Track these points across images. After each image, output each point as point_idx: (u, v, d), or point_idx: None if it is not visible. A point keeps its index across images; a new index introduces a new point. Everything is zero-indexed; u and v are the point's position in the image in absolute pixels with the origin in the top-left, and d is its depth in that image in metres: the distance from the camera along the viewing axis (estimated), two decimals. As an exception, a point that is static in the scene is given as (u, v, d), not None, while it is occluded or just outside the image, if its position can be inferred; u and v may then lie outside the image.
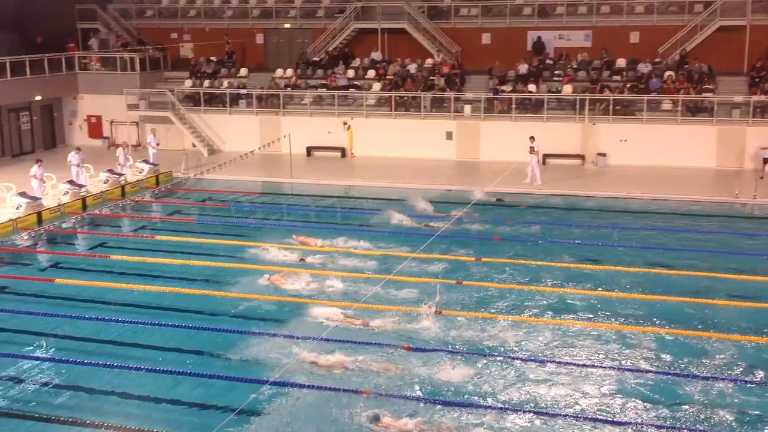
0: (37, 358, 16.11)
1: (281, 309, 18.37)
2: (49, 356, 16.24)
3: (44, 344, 16.76)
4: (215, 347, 16.40)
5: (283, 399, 14.29)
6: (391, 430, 13.31)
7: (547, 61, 36.56)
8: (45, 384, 15.05)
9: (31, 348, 16.60)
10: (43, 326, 17.55)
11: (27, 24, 39.94)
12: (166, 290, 19.64)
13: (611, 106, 32.93)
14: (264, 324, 17.54)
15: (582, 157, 33.04)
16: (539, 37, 37.17)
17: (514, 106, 34.08)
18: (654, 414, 13.86)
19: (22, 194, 26.19)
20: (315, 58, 39.18)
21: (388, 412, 13.66)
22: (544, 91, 34.56)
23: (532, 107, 34.29)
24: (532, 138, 30.16)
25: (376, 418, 13.46)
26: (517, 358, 15.84)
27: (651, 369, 15.44)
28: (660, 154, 32.02)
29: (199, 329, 17.24)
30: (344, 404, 14.04)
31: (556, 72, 35.74)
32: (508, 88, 35.03)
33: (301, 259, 21.46)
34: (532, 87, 34.80)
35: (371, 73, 37.74)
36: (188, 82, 38.90)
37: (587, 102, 33.11)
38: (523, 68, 35.91)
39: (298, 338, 16.47)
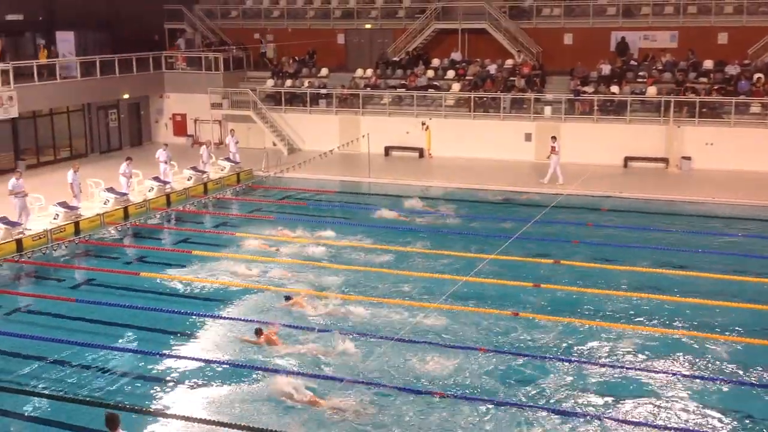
0: (121, 349, 16.58)
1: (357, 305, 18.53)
2: (133, 347, 16.70)
3: (128, 336, 17.25)
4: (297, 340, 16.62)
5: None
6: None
7: (631, 62, 35.84)
8: (127, 374, 15.46)
9: (116, 339, 17.09)
10: (128, 318, 18.06)
11: (117, 24, 41.22)
12: (247, 286, 19.97)
13: (697, 109, 32.08)
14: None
15: (666, 160, 32.28)
16: (623, 38, 36.48)
17: (596, 107, 33.54)
18: (732, 426, 13.49)
19: (110, 190, 27.02)
20: (395, 58, 39.31)
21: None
22: (627, 92, 33.91)
23: (614, 109, 33.68)
24: (553, 138, 30.24)
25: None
26: (593, 363, 15.63)
27: (732, 379, 15.02)
28: (748, 158, 31.03)
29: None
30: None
31: (641, 73, 35.01)
32: (590, 89, 34.50)
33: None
34: (614, 88, 34.17)
35: (451, 74, 37.66)
36: (270, 82, 39.51)
37: (672, 104, 32.31)
38: (606, 69, 35.30)
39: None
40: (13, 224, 23.26)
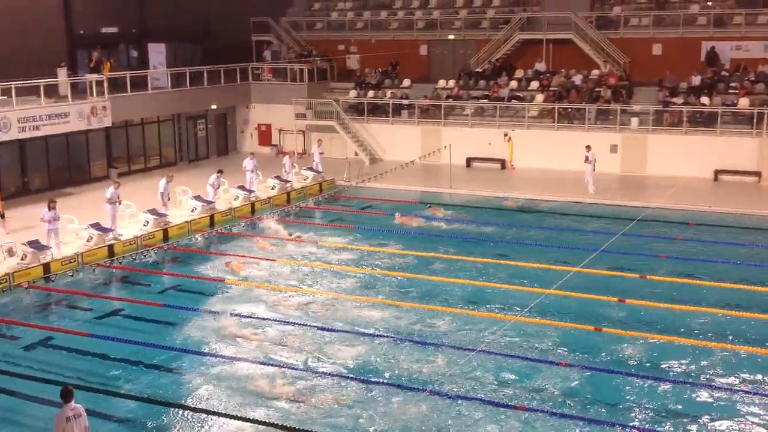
0: (205, 354, 16.87)
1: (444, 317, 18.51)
2: (216, 352, 16.98)
3: (211, 341, 17.59)
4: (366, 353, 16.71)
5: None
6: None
7: (723, 73, 34.82)
8: (209, 378, 15.74)
9: (200, 344, 17.42)
10: (212, 323, 18.42)
11: (207, 36, 42.33)
12: (328, 295, 20.16)
13: (792, 121, 31.02)
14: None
15: (758, 174, 31.22)
16: (712, 47, 35.41)
17: (685, 119, 32.71)
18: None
19: (197, 198, 27.70)
20: (477, 69, 39.19)
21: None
22: (718, 103, 32.97)
23: (704, 121, 32.79)
24: (588, 147, 30.22)
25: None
26: (677, 381, 15.26)
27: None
28: None
29: (359, 334, 17.61)
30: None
31: (732, 84, 33.99)
32: (679, 100, 33.68)
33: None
34: (705, 99, 33.27)
35: (534, 84, 37.33)
36: (353, 93, 39.90)
37: (766, 116, 31.27)
38: (696, 80, 34.40)
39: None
40: (105, 230, 24.06)
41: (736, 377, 15.43)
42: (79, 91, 31.09)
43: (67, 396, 11.77)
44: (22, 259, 21.89)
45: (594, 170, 30.20)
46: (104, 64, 34.92)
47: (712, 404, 14.46)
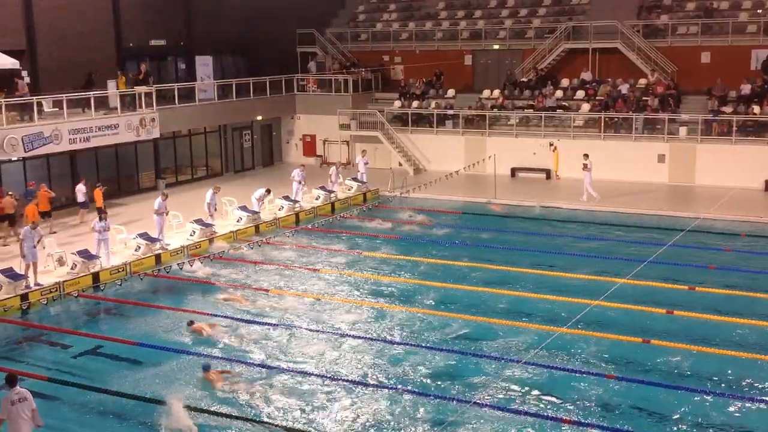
0: (251, 364, 16.97)
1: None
2: (263, 362, 17.07)
3: (255, 349, 17.69)
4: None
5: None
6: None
7: (773, 81, 34.17)
8: (254, 386, 15.79)
9: (246, 354, 17.54)
10: (262, 333, 18.55)
11: (253, 48, 42.78)
12: (369, 305, 20.16)
13: None
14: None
15: (811, 184, 30.60)
16: (771, 56, 34.58)
17: (734, 128, 32.14)
18: None
19: (243, 208, 27.97)
20: (522, 79, 38.99)
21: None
22: (769, 112, 32.39)
23: (754, 130, 32.17)
24: (585, 155, 30.32)
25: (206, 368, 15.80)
26: (728, 395, 14.93)
27: None
28: None
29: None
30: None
31: (784, 92, 33.35)
32: (728, 109, 33.10)
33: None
34: (755, 108, 32.64)
35: (580, 94, 37.01)
36: (397, 103, 39.96)
37: (819, 124, 30.64)
38: (746, 88, 33.77)
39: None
40: (153, 240, 24.40)
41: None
42: (127, 103, 31.59)
43: (11, 381, 12.27)
44: (72, 268, 22.31)
45: (591, 178, 30.19)
46: (119, 77, 34.28)
47: (761, 419, 14.11)
